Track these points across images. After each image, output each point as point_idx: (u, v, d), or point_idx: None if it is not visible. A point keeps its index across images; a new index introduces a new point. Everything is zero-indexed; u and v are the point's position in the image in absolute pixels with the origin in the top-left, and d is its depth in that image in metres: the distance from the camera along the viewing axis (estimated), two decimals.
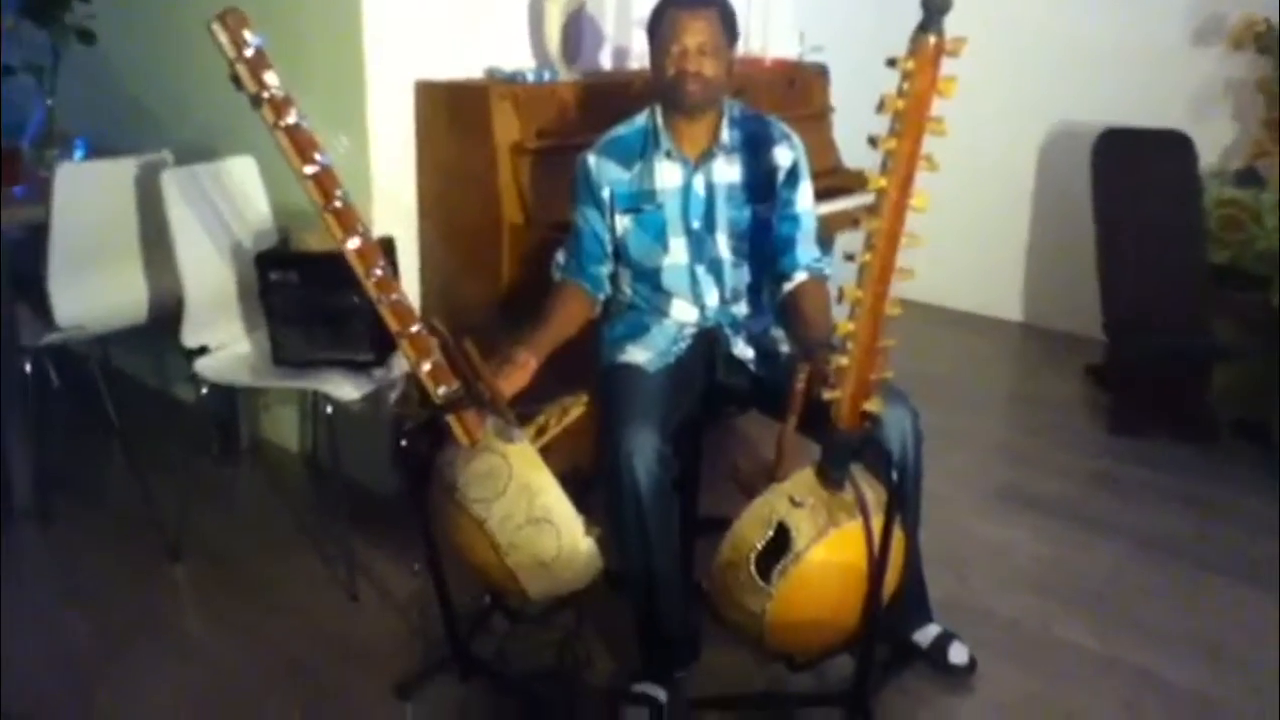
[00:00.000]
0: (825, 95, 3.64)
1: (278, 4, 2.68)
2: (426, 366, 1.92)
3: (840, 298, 1.80)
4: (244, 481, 3.19)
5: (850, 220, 3.16)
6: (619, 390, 2.10)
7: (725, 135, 2.22)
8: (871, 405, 1.85)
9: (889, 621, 2.05)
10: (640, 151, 2.23)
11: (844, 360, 1.80)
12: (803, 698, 2.18)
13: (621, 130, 2.26)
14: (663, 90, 2.18)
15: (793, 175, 2.26)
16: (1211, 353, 3.53)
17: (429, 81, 2.79)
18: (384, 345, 2.54)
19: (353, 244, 1.81)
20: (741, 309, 2.30)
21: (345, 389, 2.51)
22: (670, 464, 2.01)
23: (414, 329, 1.90)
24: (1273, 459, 3.27)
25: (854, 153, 3.51)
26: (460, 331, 1.96)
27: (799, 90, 3.54)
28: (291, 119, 1.71)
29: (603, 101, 2.82)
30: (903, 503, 1.95)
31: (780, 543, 1.87)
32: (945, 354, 4.34)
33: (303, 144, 1.73)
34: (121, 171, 2.83)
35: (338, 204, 1.78)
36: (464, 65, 2.88)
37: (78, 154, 3.20)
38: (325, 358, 2.55)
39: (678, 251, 2.23)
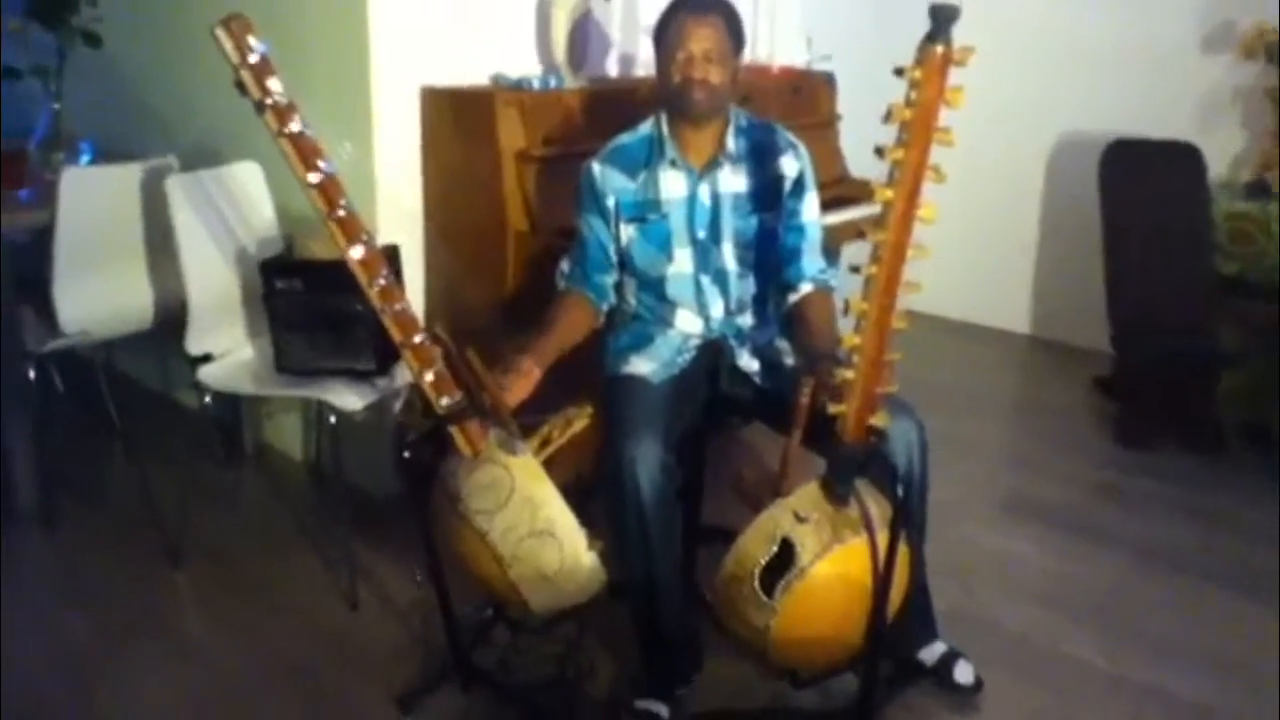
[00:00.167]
0: (832, 104, 3.62)
1: (283, 9, 2.68)
2: (430, 376, 1.91)
3: (846, 310, 1.79)
4: (247, 487, 3.18)
5: (856, 231, 3.10)
6: (623, 401, 2.09)
7: (731, 144, 2.20)
8: (877, 419, 1.83)
9: (894, 638, 2.03)
10: (645, 160, 2.21)
11: (849, 374, 1.78)
12: (806, 715, 2.16)
13: (626, 139, 2.25)
14: (668, 97, 2.16)
15: (799, 185, 2.25)
16: (1218, 360, 3.51)
17: (435, 88, 2.78)
18: (387, 354, 2.53)
19: (356, 253, 1.80)
20: (747, 320, 2.29)
21: (348, 398, 2.49)
22: (673, 474, 2.00)
23: (417, 339, 1.89)
24: (1277, 469, 3.24)
25: (861, 162, 3.49)
26: (464, 339, 1.95)
27: (805, 98, 3.52)
28: (295, 126, 1.70)
29: (608, 109, 2.81)
30: (908, 518, 1.94)
31: (784, 558, 1.86)
32: (951, 364, 4.31)
33: (306, 151, 1.72)
34: (127, 176, 2.83)
35: (341, 212, 1.77)
36: (470, 71, 2.87)
37: (83, 158, 3.19)
38: (328, 366, 2.54)
39: (682, 261, 2.22)
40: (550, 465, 1.99)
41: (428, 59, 2.78)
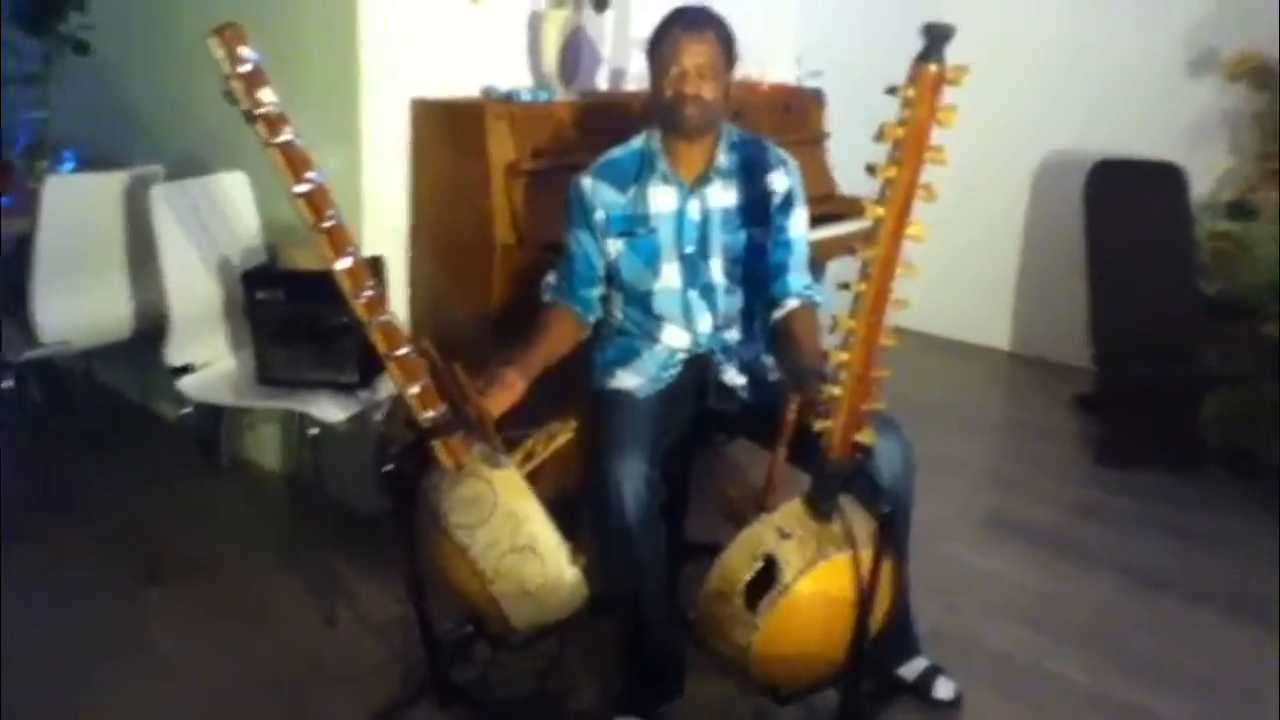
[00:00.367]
0: (821, 121, 3.63)
1: (273, 19, 2.66)
2: (415, 389, 1.89)
3: (834, 327, 1.78)
4: (225, 500, 3.14)
5: (845, 247, 3.15)
6: (608, 416, 2.08)
7: (722, 159, 2.21)
8: (864, 436, 1.83)
9: (876, 655, 2.02)
10: (636, 175, 2.21)
11: (836, 390, 1.78)
12: None
13: (617, 153, 2.25)
14: (661, 112, 2.16)
15: (788, 201, 2.25)
16: (1200, 381, 3.53)
17: (425, 99, 2.78)
18: (370, 366, 2.52)
19: (343, 264, 1.79)
20: (733, 335, 2.28)
21: (330, 411, 2.47)
22: (658, 490, 1.99)
23: (403, 351, 1.87)
24: (1259, 489, 3.26)
25: (849, 179, 3.51)
26: (449, 351, 1.94)
27: (795, 115, 3.53)
28: (285, 136, 1.68)
29: (599, 122, 2.81)
30: (892, 535, 1.93)
31: (768, 574, 1.85)
32: (932, 380, 4.32)
33: (296, 161, 1.71)
34: (110, 184, 2.81)
35: (329, 223, 1.76)
36: (460, 84, 2.86)
37: (66, 166, 3.17)
38: (311, 378, 2.52)
39: (670, 276, 2.21)
40: (533, 480, 1.97)
41: (418, 71, 2.77)
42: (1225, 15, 3.90)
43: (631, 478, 1.93)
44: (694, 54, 2.09)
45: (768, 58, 3.66)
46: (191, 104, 3.06)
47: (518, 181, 2.65)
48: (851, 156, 3.56)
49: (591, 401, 2.21)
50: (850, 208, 3.35)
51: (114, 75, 3.40)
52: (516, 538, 1.89)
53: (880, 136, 1.62)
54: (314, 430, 2.50)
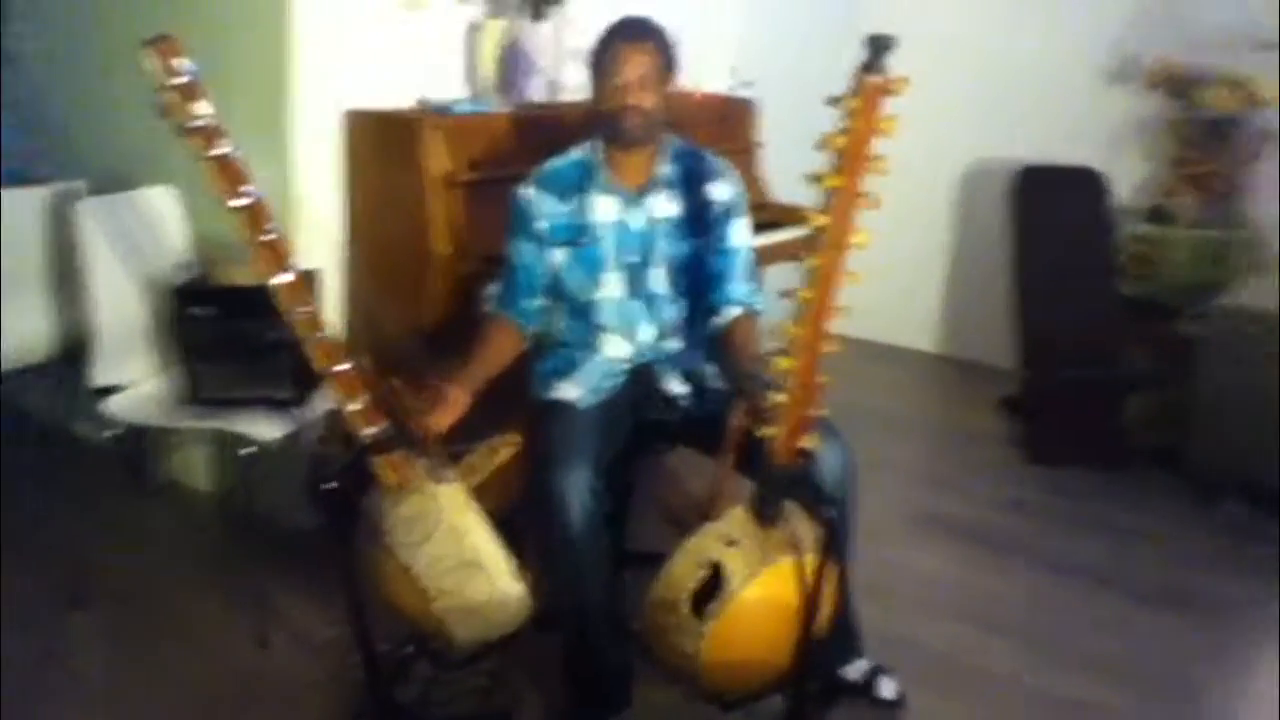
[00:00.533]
0: (754, 130, 3.66)
1: (201, 28, 2.60)
2: (354, 406, 1.86)
3: (777, 334, 1.79)
4: (154, 522, 3.04)
5: (781, 254, 3.18)
6: (550, 427, 2.07)
7: (664, 169, 2.22)
8: (808, 442, 1.84)
9: (822, 658, 2.04)
10: (578, 185, 2.21)
11: (781, 397, 1.79)
12: None
13: (559, 163, 2.24)
14: (602, 123, 2.17)
15: (729, 211, 2.26)
16: (1124, 381, 3.63)
17: (359, 111, 2.74)
18: (305, 383, 2.47)
19: (283, 279, 1.76)
20: (675, 344, 2.29)
21: (264, 429, 2.42)
22: (603, 500, 1.98)
23: (342, 367, 1.84)
24: (1183, 485, 3.36)
25: (782, 187, 3.55)
26: (386, 365, 1.92)
27: (728, 124, 3.56)
28: (222, 149, 1.65)
29: (536, 133, 2.80)
30: (835, 539, 1.95)
31: (714, 582, 1.85)
32: (862, 384, 4.36)
33: (233, 175, 1.67)
34: (28, 200, 2.71)
35: (268, 237, 1.72)
36: (395, 96, 2.83)
37: None
38: (244, 396, 2.47)
39: (612, 286, 2.21)
40: (476, 495, 1.96)
41: (352, 82, 2.73)
42: (1142, 25, 4.03)
43: (575, 488, 1.92)
44: (635, 65, 2.09)
45: (701, 68, 3.68)
46: (115, 117, 2.97)
47: (454, 193, 2.62)
48: (783, 165, 3.63)
49: (532, 413, 2.20)
50: (785, 215, 3.39)
51: (32, 89, 3.30)
52: (461, 553, 1.88)
53: (823, 146, 1.64)
54: (249, 449, 2.44)
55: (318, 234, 2.74)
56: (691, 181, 2.26)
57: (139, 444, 3.11)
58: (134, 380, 2.60)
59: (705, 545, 1.88)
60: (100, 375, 2.53)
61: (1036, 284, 3.85)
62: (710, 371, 2.28)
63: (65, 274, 2.66)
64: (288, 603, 2.57)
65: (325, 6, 2.64)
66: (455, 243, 2.62)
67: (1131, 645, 2.57)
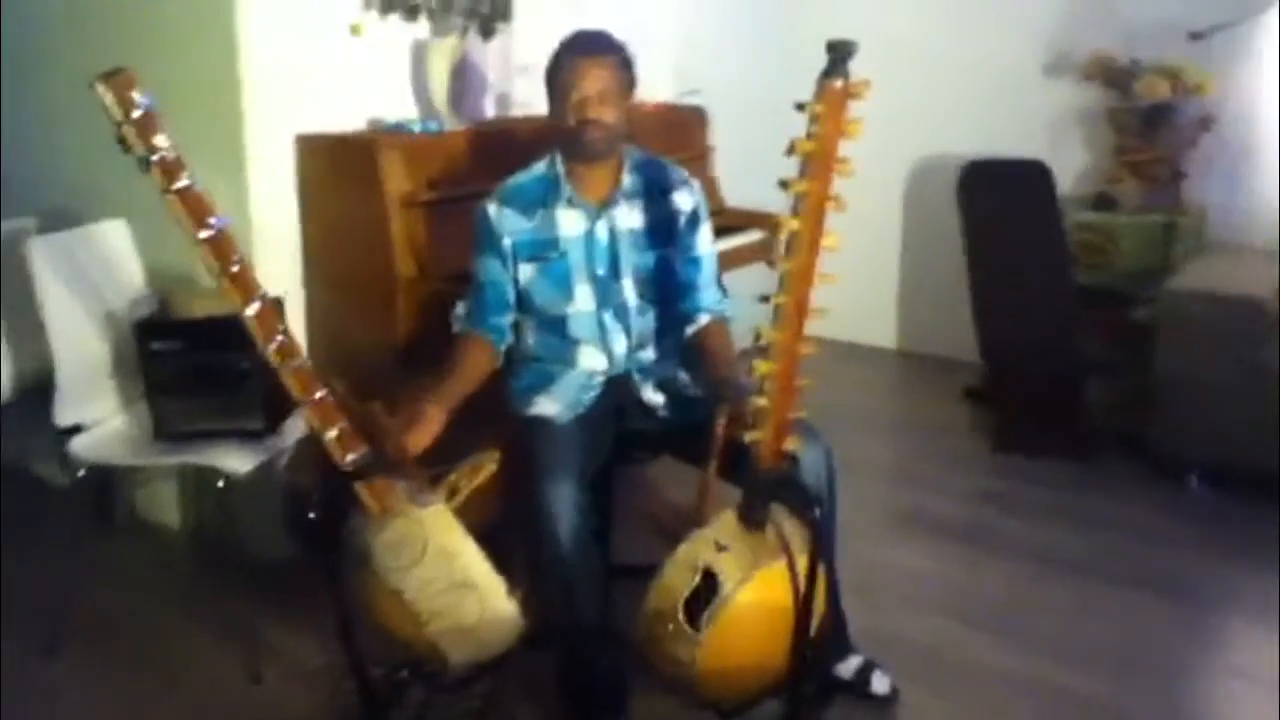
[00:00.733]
0: (705, 137, 3.68)
1: (150, 61, 2.56)
2: (333, 433, 1.85)
3: (757, 338, 1.80)
4: (126, 562, 2.97)
5: (741, 259, 3.20)
6: (533, 444, 2.06)
7: (627, 181, 2.22)
8: (790, 444, 1.86)
9: (817, 657, 2.05)
10: (541, 199, 2.20)
11: (763, 401, 1.80)
12: None
13: (521, 178, 2.24)
14: (564, 138, 2.16)
15: (693, 219, 2.28)
16: (1080, 368, 3.69)
17: (310, 135, 2.71)
18: (275, 412, 2.44)
19: (252, 309, 1.73)
20: (649, 354, 2.29)
21: (236, 461, 2.38)
22: (590, 514, 1.98)
23: (319, 394, 1.83)
24: (1147, 470, 3.42)
25: (727, 192, 3.58)
26: (357, 389, 1.90)
27: (679, 133, 3.57)
28: (184, 182, 1.63)
29: (491, 149, 2.79)
30: (823, 537, 1.96)
31: (706, 589, 1.86)
32: (827, 383, 4.37)
33: (196, 207, 1.65)
34: None
35: (235, 268, 1.70)
36: (345, 117, 2.81)
37: None
38: (212, 428, 2.43)
39: (583, 299, 2.21)
40: (459, 515, 1.95)
41: (301, 106, 2.71)
42: (1076, 19, 4.13)
43: (563, 503, 1.92)
44: (595, 79, 2.10)
45: (648, 78, 3.69)
46: (59, 153, 2.91)
47: (415, 213, 2.61)
48: (729, 170, 3.66)
49: (509, 431, 2.19)
50: (740, 220, 3.42)
51: None
52: (451, 575, 1.87)
53: (791, 152, 1.66)
54: (221, 482, 2.40)
55: (276, 261, 2.71)
56: (654, 192, 2.26)
57: (105, 483, 3.04)
58: (97, 419, 2.54)
59: (696, 551, 1.89)
60: (63, 415, 2.46)
61: (990, 278, 3.89)
62: (685, 380, 2.29)
63: (19, 314, 2.59)
64: (272, 635, 2.53)
65: (272, 31, 2.62)
66: (419, 263, 2.60)
67: (1112, 630, 2.60)
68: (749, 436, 1.83)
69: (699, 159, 3.60)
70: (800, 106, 1.63)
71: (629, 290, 2.23)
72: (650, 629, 1.91)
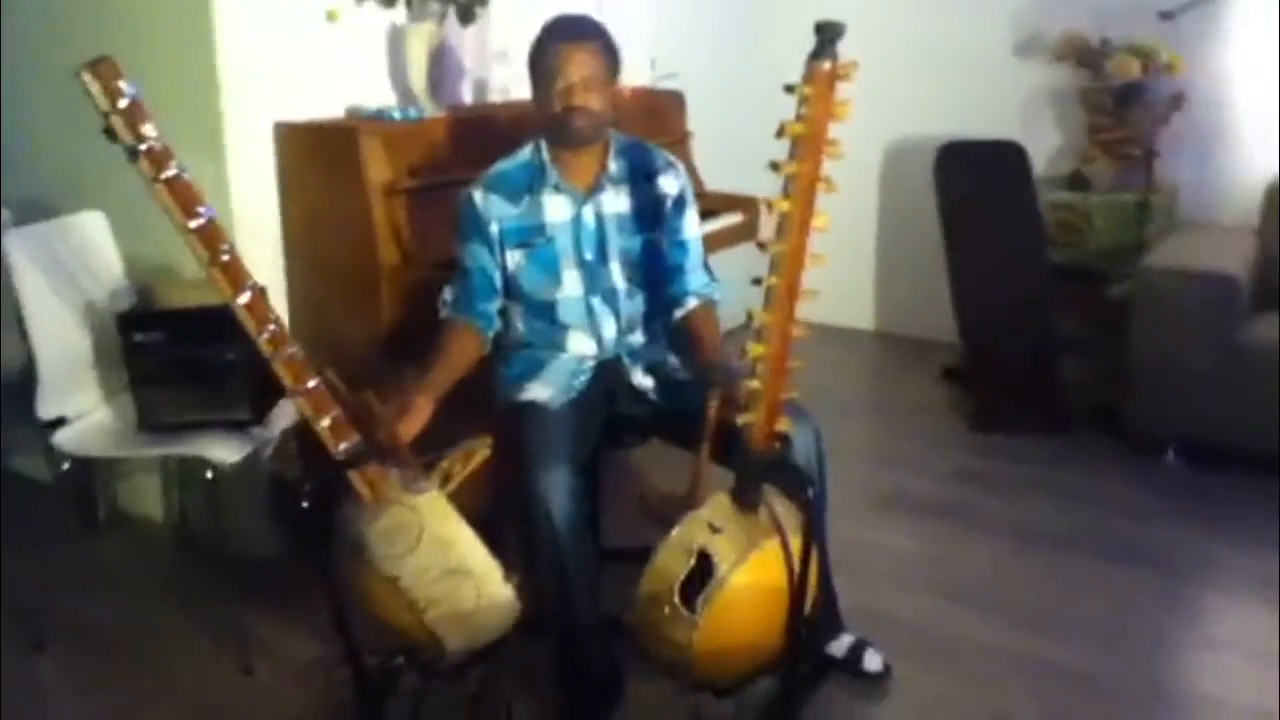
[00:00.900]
0: (683, 121, 3.68)
1: (126, 50, 2.53)
2: (326, 422, 1.84)
3: (749, 320, 1.81)
4: (111, 556, 2.95)
5: (723, 241, 3.21)
6: (525, 430, 2.07)
7: (612, 166, 2.22)
8: (782, 425, 1.87)
9: (813, 636, 2.07)
10: (527, 185, 2.20)
11: (755, 383, 1.81)
12: None
13: (506, 165, 2.23)
14: (549, 124, 2.16)
15: (679, 203, 2.29)
16: (1057, 346, 3.73)
17: (289, 123, 2.69)
18: (262, 402, 2.43)
19: (243, 299, 1.72)
20: (638, 338, 2.30)
21: (223, 451, 2.36)
22: (583, 499, 1.99)
23: (311, 384, 1.82)
24: (1124, 444, 3.47)
25: (704, 174, 3.59)
26: (342, 377, 1.89)
27: (658, 117, 3.57)
28: (172, 171, 1.61)
29: (472, 136, 2.78)
30: (815, 518, 1.98)
31: (701, 571, 1.87)
32: (807, 365, 4.42)
33: (185, 197, 1.64)
34: None
35: (225, 257, 1.69)
36: (323, 105, 2.78)
37: None
38: (198, 419, 2.41)
39: (572, 284, 2.21)
40: (452, 501, 1.95)
41: (279, 94, 2.69)
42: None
43: (556, 489, 1.93)
44: (579, 65, 2.09)
45: (625, 63, 3.69)
46: (33, 144, 2.87)
47: (397, 201, 2.59)
48: (704, 153, 3.65)
49: (500, 416, 2.19)
50: (720, 203, 3.42)
51: None
52: (447, 562, 1.87)
53: (780, 134, 1.66)
54: (209, 474, 2.38)
55: (258, 250, 2.68)
56: (639, 176, 2.27)
57: (84, 476, 3.01)
58: (80, 411, 2.51)
59: (691, 534, 1.89)
60: (46, 408, 2.43)
61: (966, 258, 3.92)
62: (673, 363, 2.30)
63: None
64: (262, 630, 2.52)
65: (248, 19, 2.59)
66: (402, 251, 2.59)
67: (1093, 602, 2.65)
68: (741, 419, 1.84)
69: (678, 143, 3.59)
70: (789, 89, 1.63)
71: (617, 275, 2.24)
72: (645, 613, 1.92)
